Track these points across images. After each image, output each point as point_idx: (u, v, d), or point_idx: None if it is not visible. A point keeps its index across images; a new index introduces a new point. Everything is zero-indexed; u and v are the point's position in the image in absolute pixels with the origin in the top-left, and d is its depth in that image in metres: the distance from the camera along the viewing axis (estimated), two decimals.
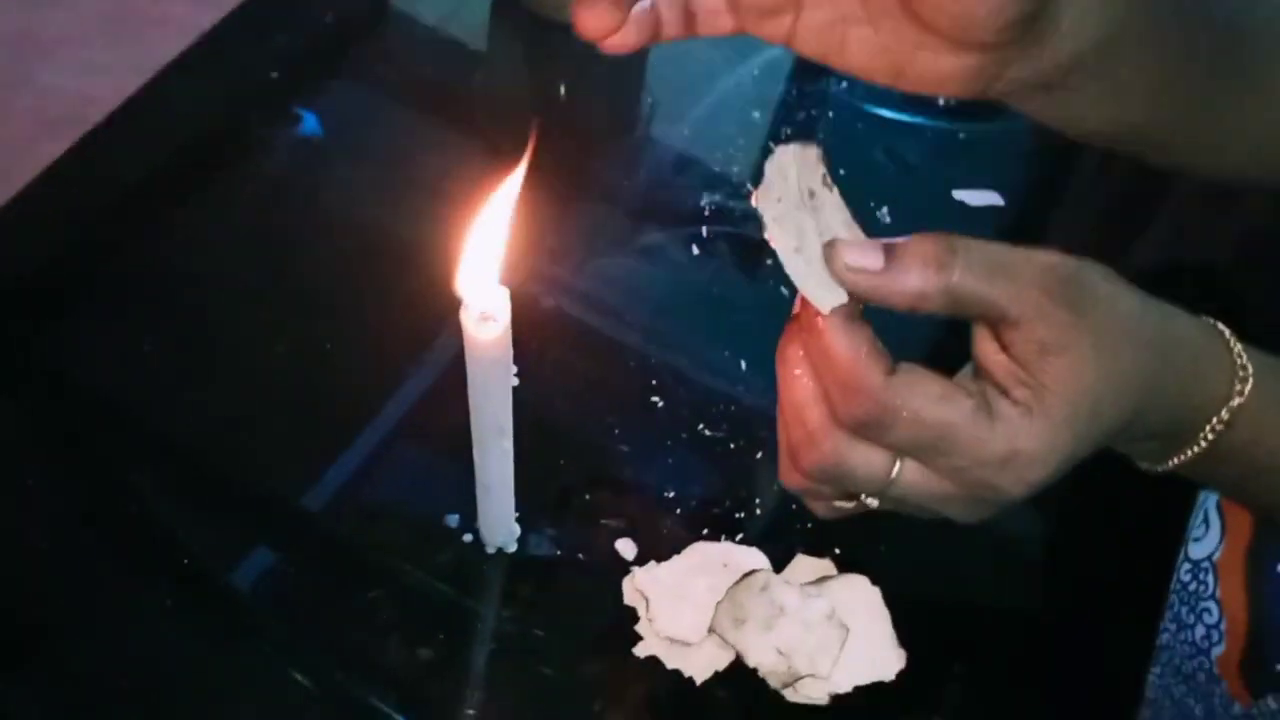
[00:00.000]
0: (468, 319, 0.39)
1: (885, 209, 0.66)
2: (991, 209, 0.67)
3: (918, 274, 0.40)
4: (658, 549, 0.53)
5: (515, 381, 0.43)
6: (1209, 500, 0.57)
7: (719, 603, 0.51)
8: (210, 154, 0.66)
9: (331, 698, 0.49)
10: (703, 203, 0.66)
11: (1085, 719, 0.52)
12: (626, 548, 0.54)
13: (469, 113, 0.71)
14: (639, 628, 0.52)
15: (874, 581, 0.53)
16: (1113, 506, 0.57)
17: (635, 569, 0.53)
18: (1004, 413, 0.40)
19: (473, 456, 0.48)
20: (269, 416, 0.57)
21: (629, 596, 0.53)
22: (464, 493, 0.53)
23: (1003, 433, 0.40)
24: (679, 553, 0.53)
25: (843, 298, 0.40)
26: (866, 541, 0.55)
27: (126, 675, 0.49)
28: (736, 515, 0.55)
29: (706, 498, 0.56)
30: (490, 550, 0.53)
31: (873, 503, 0.46)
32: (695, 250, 0.64)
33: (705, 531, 0.55)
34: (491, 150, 0.70)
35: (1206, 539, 0.56)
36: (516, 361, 0.59)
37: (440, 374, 0.59)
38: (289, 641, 0.50)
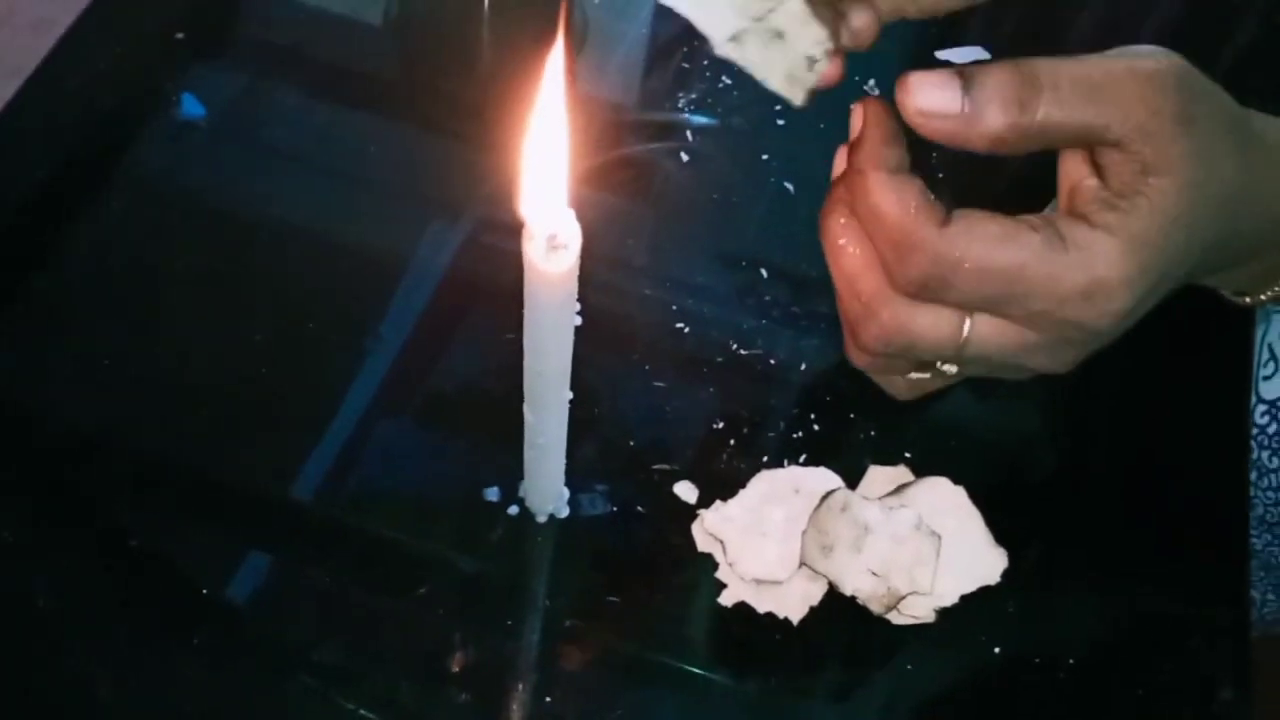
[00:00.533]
0: (533, 248, 0.32)
1: (871, 81, 0.61)
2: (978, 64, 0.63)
3: (997, 115, 0.36)
4: (720, 486, 0.48)
5: (579, 320, 0.37)
6: (1270, 333, 0.54)
7: (803, 533, 0.46)
8: (100, 156, 0.57)
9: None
10: (679, 104, 0.60)
11: (1200, 582, 0.49)
12: (686, 491, 0.48)
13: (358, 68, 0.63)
14: (720, 574, 0.47)
15: (955, 481, 0.48)
16: (1172, 359, 0.54)
17: (702, 512, 0.47)
18: (1080, 240, 0.36)
19: (522, 415, 0.41)
20: (253, 416, 0.50)
21: (702, 543, 0.47)
22: (498, 463, 0.47)
23: (1080, 262, 0.36)
24: (744, 486, 0.48)
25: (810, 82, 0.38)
26: (938, 440, 0.50)
27: None
28: (794, 435, 0.50)
29: (758, 421, 0.51)
30: (541, 519, 0.47)
31: (950, 369, 0.42)
32: (684, 157, 0.58)
33: (765, 459, 0.49)
34: (407, 83, 0.62)
35: (1277, 376, 0.54)
36: (512, 310, 0.53)
37: (432, 340, 0.53)
38: (341, 666, 0.44)
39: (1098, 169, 0.38)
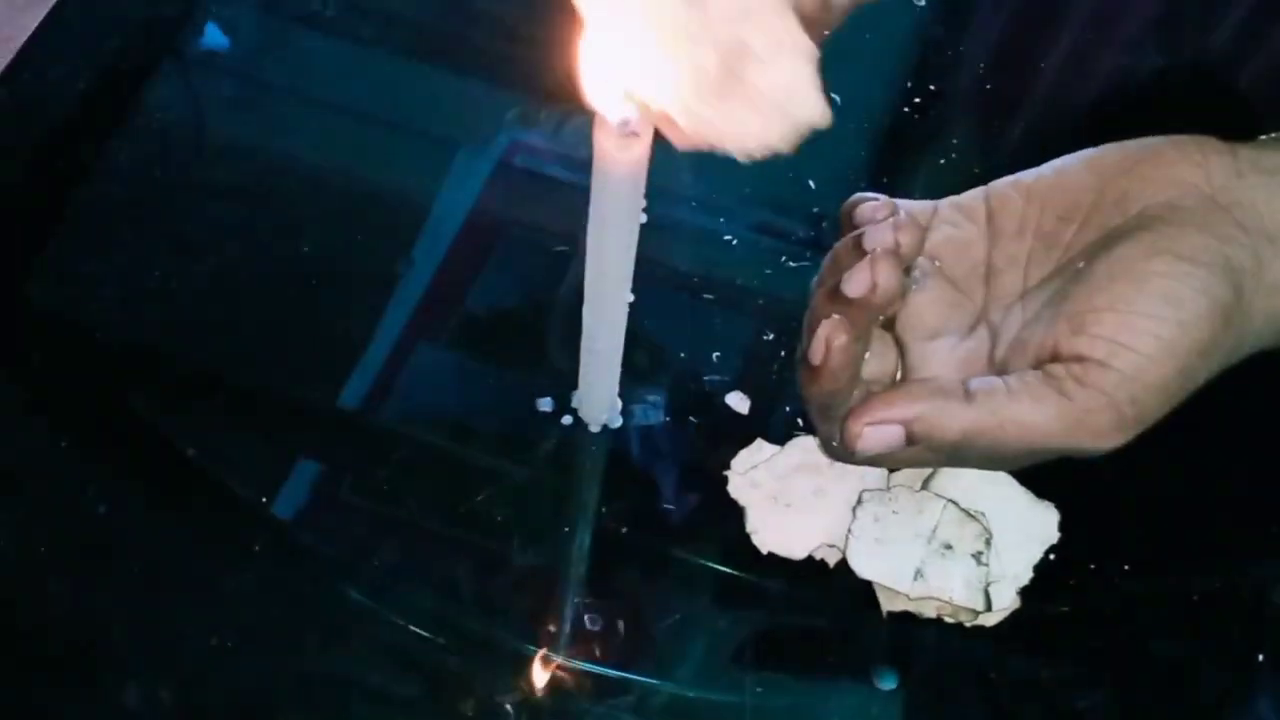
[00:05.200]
0: (604, 136, 0.32)
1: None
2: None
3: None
4: (771, 398, 0.48)
5: (644, 218, 0.36)
6: None
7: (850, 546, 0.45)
8: (132, 80, 0.57)
9: (456, 634, 0.43)
10: None
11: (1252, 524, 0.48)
12: (738, 401, 0.48)
13: None
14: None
15: None
16: None
17: (732, 472, 0.46)
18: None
19: (571, 329, 0.41)
20: (299, 330, 0.50)
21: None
22: (550, 375, 0.47)
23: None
24: (781, 445, 0.47)
25: None
26: None
27: (218, 636, 0.42)
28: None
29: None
30: (595, 429, 0.47)
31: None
32: None
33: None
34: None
35: None
36: (548, 230, 0.52)
37: (473, 260, 0.52)
38: (395, 575, 0.44)
39: None
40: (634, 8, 0.30)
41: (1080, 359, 0.37)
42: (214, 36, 0.59)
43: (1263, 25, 0.62)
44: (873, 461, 0.40)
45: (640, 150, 0.32)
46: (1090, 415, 0.36)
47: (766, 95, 0.31)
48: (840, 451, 0.40)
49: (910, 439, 0.38)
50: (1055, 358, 0.37)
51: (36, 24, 0.57)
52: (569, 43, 0.33)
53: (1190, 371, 0.37)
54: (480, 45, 0.60)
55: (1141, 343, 0.36)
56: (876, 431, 0.38)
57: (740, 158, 0.32)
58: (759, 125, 0.31)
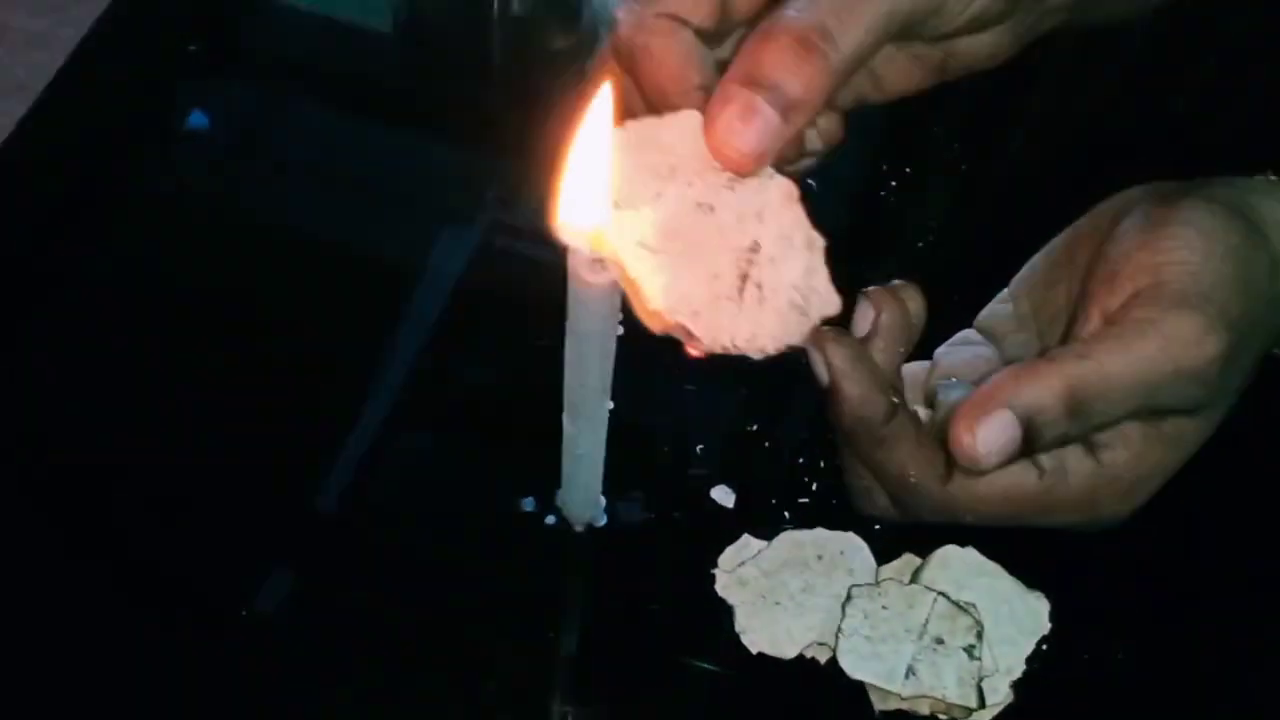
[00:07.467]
0: (578, 263, 0.32)
1: None
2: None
3: (1055, 437, 0.36)
4: (756, 492, 0.48)
5: (620, 331, 0.36)
6: None
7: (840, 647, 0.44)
8: (111, 171, 0.57)
9: None
10: None
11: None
12: (723, 495, 0.48)
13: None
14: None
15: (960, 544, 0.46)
16: None
17: (719, 570, 0.46)
18: (1084, 476, 0.37)
19: (555, 423, 0.41)
20: (273, 430, 0.49)
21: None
22: (533, 473, 0.46)
23: (1083, 500, 0.38)
24: (767, 542, 0.46)
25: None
26: None
27: None
28: (830, 435, 0.50)
29: (791, 422, 0.50)
30: (579, 529, 0.46)
31: None
32: None
33: (801, 460, 0.49)
34: (414, 88, 0.62)
35: None
36: (532, 314, 0.52)
37: (452, 349, 0.52)
38: (376, 683, 0.43)
39: None
40: (648, 221, 0.31)
41: (1129, 297, 0.35)
42: (195, 116, 0.59)
43: (1229, 85, 0.63)
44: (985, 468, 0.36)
45: (612, 276, 0.32)
46: (1178, 327, 0.34)
47: (781, 294, 0.32)
48: (877, 503, 0.40)
49: (1022, 423, 0.35)
50: (1106, 319, 0.36)
51: (23, 112, 0.57)
52: (548, 156, 0.33)
53: (1240, 279, 0.35)
54: (462, 126, 0.60)
55: (1179, 255, 0.35)
56: (989, 425, 0.34)
57: (757, 357, 0.33)
58: (775, 325, 0.32)
